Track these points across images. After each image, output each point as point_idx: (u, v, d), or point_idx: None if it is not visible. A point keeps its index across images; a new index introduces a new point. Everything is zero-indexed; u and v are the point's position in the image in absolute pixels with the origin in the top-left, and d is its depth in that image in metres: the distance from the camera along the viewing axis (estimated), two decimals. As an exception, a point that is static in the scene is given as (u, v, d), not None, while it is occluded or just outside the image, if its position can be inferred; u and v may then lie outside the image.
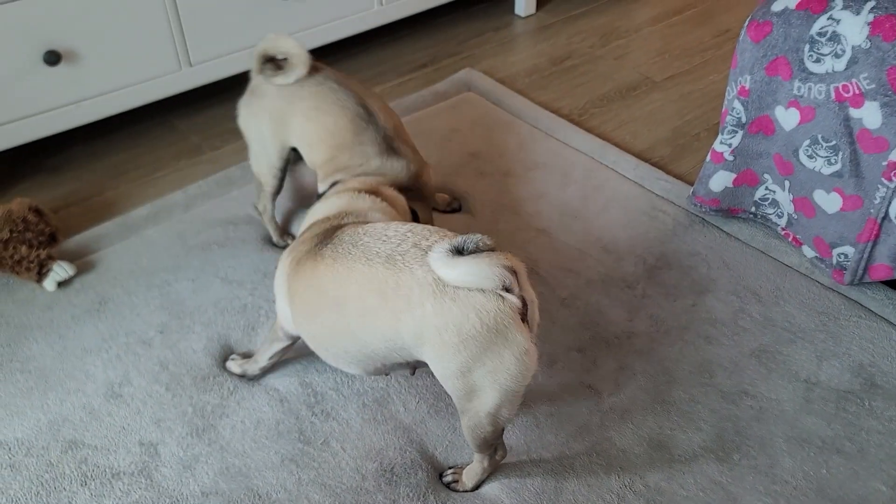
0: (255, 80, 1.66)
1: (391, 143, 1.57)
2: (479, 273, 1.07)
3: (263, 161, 1.71)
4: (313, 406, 1.46)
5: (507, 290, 1.08)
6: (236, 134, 2.24)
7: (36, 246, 1.71)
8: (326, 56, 2.58)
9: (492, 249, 1.09)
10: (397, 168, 1.55)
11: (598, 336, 1.59)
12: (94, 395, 1.49)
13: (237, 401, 1.47)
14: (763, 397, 1.46)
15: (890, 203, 1.48)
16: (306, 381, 1.50)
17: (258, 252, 1.80)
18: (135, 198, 2.00)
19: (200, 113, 2.33)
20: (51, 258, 1.71)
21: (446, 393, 1.47)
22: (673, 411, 1.44)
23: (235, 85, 2.42)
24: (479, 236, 1.09)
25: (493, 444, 1.26)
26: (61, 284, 1.71)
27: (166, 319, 1.64)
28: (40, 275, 1.69)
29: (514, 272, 1.09)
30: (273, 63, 1.59)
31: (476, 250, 1.08)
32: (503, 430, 1.26)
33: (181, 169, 2.11)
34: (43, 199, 1.98)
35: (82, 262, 1.77)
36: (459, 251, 1.08)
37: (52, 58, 1.86)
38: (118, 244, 1.83)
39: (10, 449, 1.40)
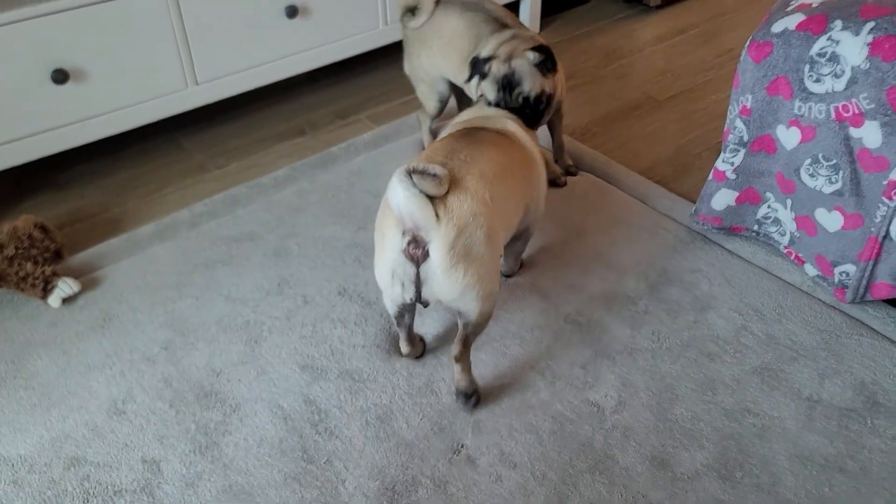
0: (403, 36, 2.08)
1: (503, 22, 1.90)
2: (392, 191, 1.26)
3: (426, 91, 2.09)
4: (317, 424, 1.46)
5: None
6: (242, 152, 2.27)
7: (41, 263, 1.72)
8: (331, 75, 2.61)
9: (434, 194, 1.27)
10: (510, 34, 1.83)
11: (600, 352, 1.59)
12: (97, 411, 1.49)
13: (240, 418, 1.47)
14: (765, 415, 1.46)
15: (891, 222, 1.49)
16: (310, 399, 1.50)
17: (261, 270, 1.81)
18: (141, 215, 2.02)
19: (207, 131, 2.35)
20: (55, 275, 1.72)
21: (450, 410, 1.48)
22: (675, 429, 1.44)
23: (242, 103, 2.46)
24: (434, 169, 1.27)
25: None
26: (66, 301, 1.72)
27: (170, 336, 1.65)
28: (45, 291, 1.70)
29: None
30: (407, 13, 1.99)
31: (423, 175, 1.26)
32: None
33: (187, 187, 2.13)
34: (49, 215, 2.00)
35: (87, 279, 1.79)
36: (409, 173, 1.25)
37: (60, 76, 1.89)
38: (123, 261, 1.84)
39: (13, 465, 1.40)
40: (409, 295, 1.34)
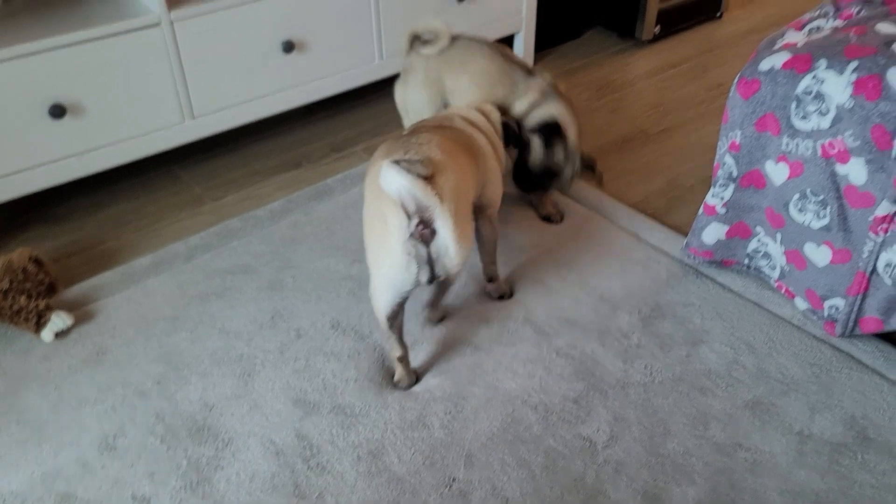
0: (406, 63, 2.04)
1: (527, 67, 2.00)
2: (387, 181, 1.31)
3: (414, 119, 2.05)
4: (308, 459, 1.46)
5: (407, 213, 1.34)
6: (238, 184, 2.29)
7: (35, 296, 1.73)
8: (327, 108, 2.65)
9: (425, 175, 1.34)
10: (542, 80, 1.97)
11: (593, 386, 1.59)
12: (88, 447, 1.49)
13: (232, 453, 1.47)
14: (757, 450, 1.46)
15: (877, 257, 1.51)
16: (302, 433, 1.50)
17: (255, 303, 1.82)
18: (136, 248, 2.03)
19: (203, 164, 2.37)
20: (49, 308, 1.72)
21: (442, 444, 1.48)
22: (667, 464, 1.44)
23: (239, 136, 2.48)
24: (415, 156, 1.39)
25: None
26: (59, 335, 1.73)
27: (163, 370, 1.65)
28: (38, 325, 1.70)
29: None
30: (419, 40, 1.99)
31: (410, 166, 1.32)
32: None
33: (182, 219, 2.14)
34: (44, 248, 2.01)
35: (82, 312, 1.79)
36: (397, 162, 1.32)
37: (58, 111, 1.91)
38: (118, 294, 1.85)
39: (4, 501, 1.39)
40: (425, 275, 1.40)
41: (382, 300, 1.48)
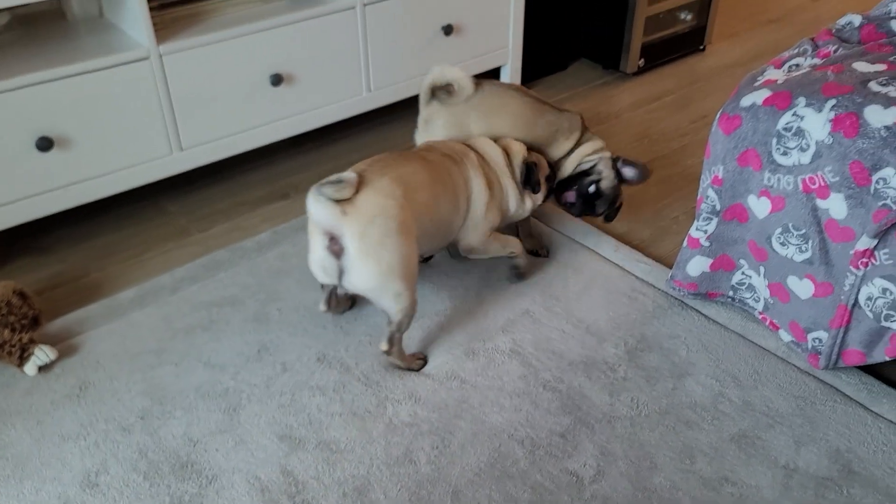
0: (426, 112, 1.99)
1: (556, 106, 2.06)
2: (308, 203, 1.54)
3: None
4: (294, 496, 1.44)
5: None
6: (225, 215, 2.29)
7: (18, 330, 1.71)
8: (315, 139, 2.66)
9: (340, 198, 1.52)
10: (574, 117, 2.05)
11: (580, 420, 1.59)
12: (70, 483, 1.47)
13: (216, 490, 1.46)
14: (743, 484, 1.46)
15: (858, 290, 1.52)
16: (287, 469, 1.49)
17: (241, 335, 1.81)
18: (121, 280, 2.02)
19: (191, 195, 2.37)
20: (32, 342, 1.71)
21: (428, 480, 1.47)
22: (654, 499, 1.43)
23: (226, 167, 2.49)
24: (340, 176, 1.54)
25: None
26: (42, 369, 1.71)
27: (147, 405, 1.64)
28: (22, 359, 1.69)
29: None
30: (442, 90, 1.95)
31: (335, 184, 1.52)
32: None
33: (169, 251, 2.14)
34: (28, 280, 2.00)
35: (65, 346, 1.78)
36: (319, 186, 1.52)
37: (45, 144, 1.91)
38: (102, 327, 1.84)
39: (-19, 541, 1.37)
40: (335, 282, 1.61)
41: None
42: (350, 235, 1.52)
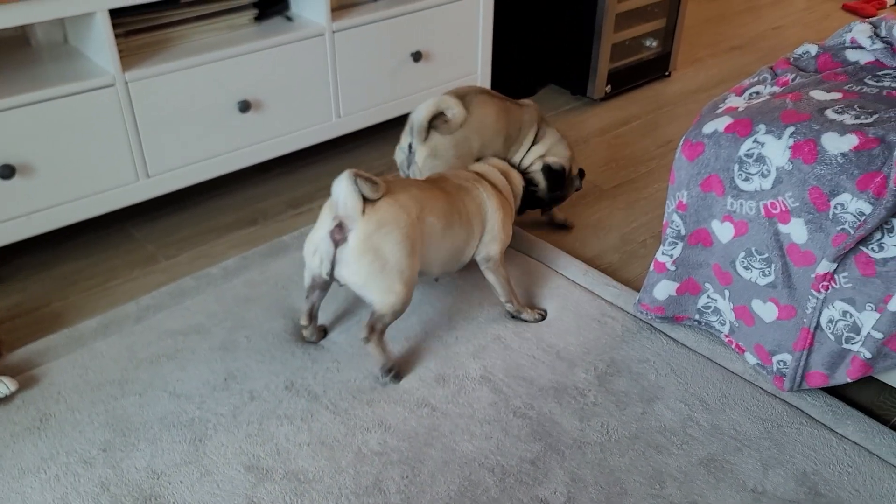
0: (430, 146, 2.00)
1: (513, 101, 2.17)
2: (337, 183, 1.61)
3: None
4: (259, 528, 1.42)
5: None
6: (192, 242, 2.27)
7: (-22, 361, 1.67)
8: (284, 165, 2.65)
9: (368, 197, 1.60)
10: (531, 109, 2.18)
11: (550, 446, 1.59)
12: (28, 520, 1.43)
13: (180, 523, 1.42)
14: (713, 508, 1.46)
15: (820, 313, 1.55)
16: (254, 501, 1.46)
17: (207, 364, 1.79)
18: (84, 309, 1.99)
19: (157, 221, 2.35)
20: (-8, 374, 1.67)
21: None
22: (625, 525, 1.43)
23: (194, 193, 2.47)
24: (375, 179, 1.61)
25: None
26: (1, 401, 1.67)
27: (110, 437, 1.60)
28: (-20, 392, 1.65)
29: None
30: (438, 120, 1.99)
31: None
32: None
33: (135, 279, 2.11)
34: (-11, 310, 1.95)
35: (25, 377, 1.73)
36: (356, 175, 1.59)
37: (6, 171, 1.88)
38: (64, 358, 1.80)
39: (-66, 582, 1.32)
40: (325, 270, 1.65)
41: (304, 273, 1.74)
42: (357, 231, 1.60)
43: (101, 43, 1.97)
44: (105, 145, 2.03)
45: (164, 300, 1.99)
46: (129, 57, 2.07)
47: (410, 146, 2.02)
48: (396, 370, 1.75)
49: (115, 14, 2.02)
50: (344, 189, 1.57)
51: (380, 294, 1.66)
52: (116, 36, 2.00)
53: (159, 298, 2.00)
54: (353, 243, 1.60)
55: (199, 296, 2.01)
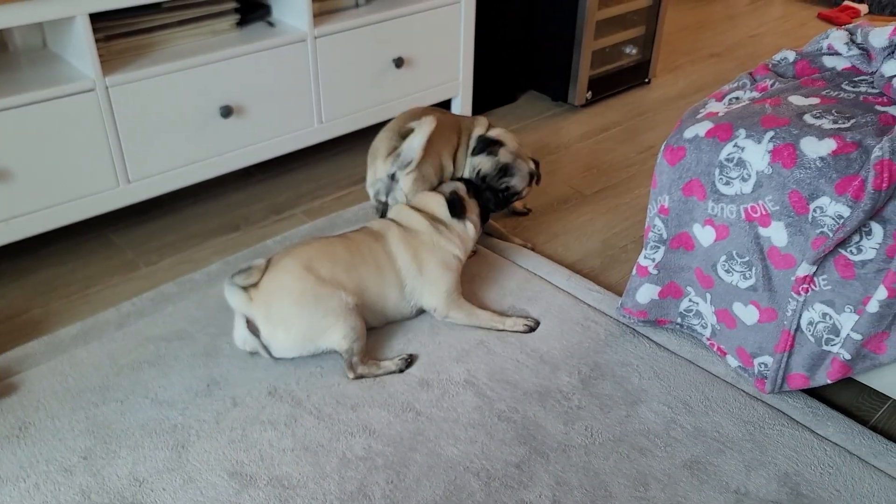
0: (419, 169, 2.03)
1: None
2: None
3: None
4: (243, 535, 1.40)
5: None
6: (174, 248, 2.25)
7: (-45, 369, 1.64)
8: (266, 171, 2.64)
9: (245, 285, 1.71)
10: (483, 119, 2.28)
11: (535, 450, 1.59)
12: (7, 530, 1.41)
13: (163, 531, 1.41)
14: (696, 510, 1.47)
15: (800, 315, 1.57)
16: (237, 508, 1.45)
17: (190, 370, 1.77)
18: (64, 316, 1.96)
19: (137, 227, 2.33)
20: (-30, 382, 1.64)
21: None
22: (609, 527, 1.44)
23: (175, 199, 2.45)
24: (248, 264, 1.74)
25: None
26: (-21, 409, 1.64)
27: (91, 444, 1.58)
28: (-43, 400, 1.62)
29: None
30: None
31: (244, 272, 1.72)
32: None
33: (115, 285, 2.08)
34: (-34, 317, 1.92)
35: (4, 385, 1.71)
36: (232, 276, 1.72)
37: (-15, 176, 1.86)
38: (43, 365, 1.77)
39: None
40: (265, 355, 1.76)
41: None
42: (258, 317, 1.71)
43: (81, 47, 1.96)
44: (85, 150, 2.01)
45: (145, 306, 1.97)
46: (109, 61, 2.05)
47: (393, 175, 2.04)
48: (407, 360, 1.80)
49: (96, 18, 2.00)
50: (226, 293, 1.71)
51: (323, 343, 1.74)
52: (97, 40, 1.98)
53: (140, 304, 1.98)
54: (262, 330, 1.71)
55: (182, 302, 1.99)
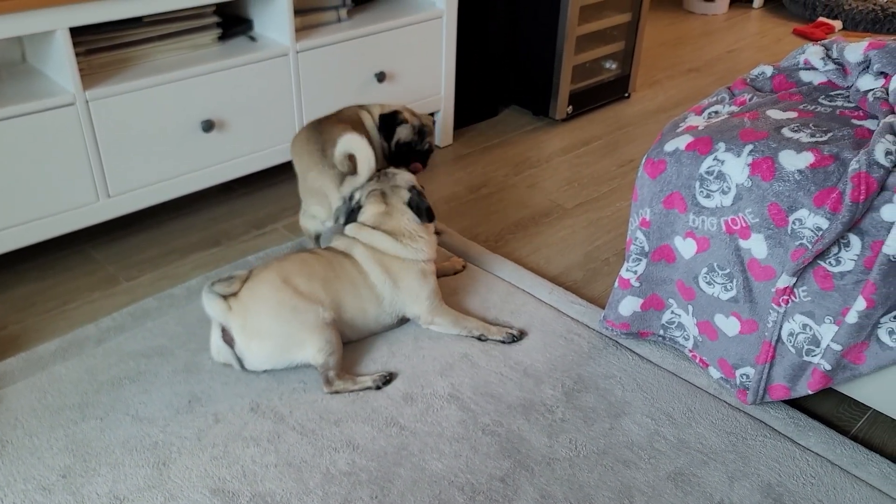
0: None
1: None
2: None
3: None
4: (226, 553, 1.39)
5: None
6: (154, 263, 2.23)
7: (-71, 387, 1.61)
8: (247, 185, 2.63)
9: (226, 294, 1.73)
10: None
11: (519, 463, 1.59)
12: (-17, 551, 1.38)
13: (143, 551, 1.39)
14: (681, 521, 1.48)
15: (781, 327, 1.59)
16: (219, 526, 1.44)
17: (170, 386, 1.75)
18: (43, 332, 1.93)
19: (117, 242, 2.30)
20: (-55, 400, 1.61)
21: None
22: (595, 540, 1.44)
23: (156, 213, 2.43)
24: (229, 274, 1.78)
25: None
26: (-45, 428, 1.61)
27: (70, 462, 1.55)
28: (-68, 419, 1.59)
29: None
30: (352, 162, 2.01)
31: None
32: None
33: (95, 300, 2.06)
34: (-59, 334, 1.89)
35: (-20, 403, 1.68)
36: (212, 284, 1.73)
37: (-38, 191, 1.83)
38: (21, 382, 1.75)
39: None
40: (238, 367, 1.76)
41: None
42: (235, 328, 1.71)
43: (61, 61, 1.94)
44: (65, 165, 1.99)
45: (125, 322, 1.95)
46: (90, 76, 2.04)
47: (352, 196, 1.99)
48: (385, 377, 1.78)
49: (77, 32, 1.99)
50: (204, 300, 1.71)
51: (298, 356, 1.74)
52: (77, 54, 1.97)
53: (120, 320, 1.95)
54: (238, 340, 1.72)
55: (162, 317, 1.97)
